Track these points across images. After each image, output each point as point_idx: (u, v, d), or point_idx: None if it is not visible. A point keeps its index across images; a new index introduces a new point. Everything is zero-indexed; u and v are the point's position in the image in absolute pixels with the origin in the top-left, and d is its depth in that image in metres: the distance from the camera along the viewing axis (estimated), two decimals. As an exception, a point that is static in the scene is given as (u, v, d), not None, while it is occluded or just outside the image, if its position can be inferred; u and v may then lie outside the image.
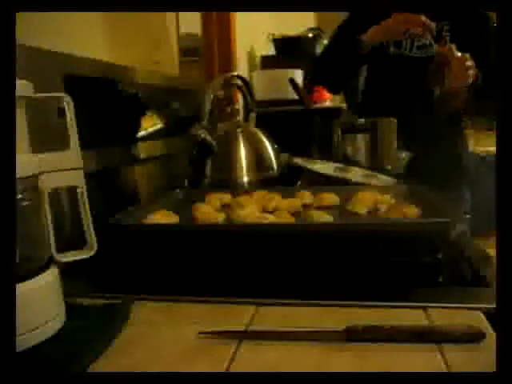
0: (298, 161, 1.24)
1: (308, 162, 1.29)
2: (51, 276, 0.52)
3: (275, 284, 0.64)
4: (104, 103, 0.93)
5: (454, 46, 1.26)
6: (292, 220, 0.76)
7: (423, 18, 1.27)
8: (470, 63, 1.25)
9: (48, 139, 0.60)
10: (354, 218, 0.80)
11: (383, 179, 1.22)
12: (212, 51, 2.17)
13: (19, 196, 0.49)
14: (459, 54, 1.25)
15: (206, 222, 0.76)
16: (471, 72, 1.26)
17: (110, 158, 0.93)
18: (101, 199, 0.86)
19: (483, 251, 0.79)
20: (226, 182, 1.09)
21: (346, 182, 1.14)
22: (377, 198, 0.85)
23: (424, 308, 0.56)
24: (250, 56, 2.76)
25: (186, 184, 1.10)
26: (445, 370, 0.44)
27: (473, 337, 0.48)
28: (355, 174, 1.28)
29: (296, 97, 1.94)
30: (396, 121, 1.33)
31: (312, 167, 1.21)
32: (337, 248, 0.68)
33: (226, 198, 0.91)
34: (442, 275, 0.66)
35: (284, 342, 0.50)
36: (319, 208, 0.84)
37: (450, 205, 0.75)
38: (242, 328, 0.53)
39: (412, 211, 0.74)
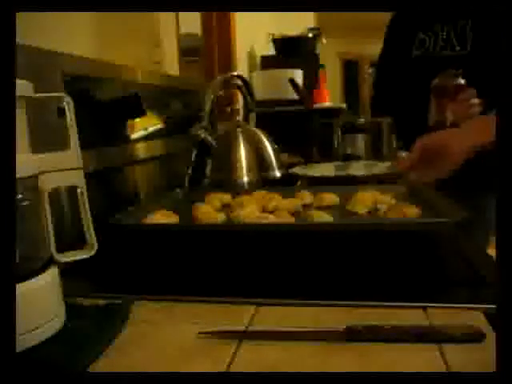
0: (297, 170, 1.23)
1: (307, 168, 1.29)
2: (51, 276, 0.52)
3: (275, 284, 0.64)
4: (104, 103, 0.93)
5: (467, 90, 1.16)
6: (292, 220, 0.76)
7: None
8: (475, 101, 1.15)
9: (48, 139, 0.60)
10: (354, 218, 0.80)
11: (383, 166, 1.22)
12: (212, 51, 2.17)
13: (19, 196, 0.49)
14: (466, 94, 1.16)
15: (205, 222, 0.76)
16: (476, 110, 1.15)
17: (110, 157, 0.93)
18: (101, 199, 0.86)
19: (483, 251, 0.79)
20: (226, 182, 1.09)
21: (348, 180, 1.14)
22: (377, 197, 0.85)
23: (424, 308, 0.56)
24: (250, 56, 2.77)
25: (186, 184, 1.10)
26: (445, 370, 0.44)
27: (473, 337, 0.48)
28: (356, 167, 1.28)
29: (296, 97, 1.94)
30: (395, 121, 1.33)
31: (313, 174, 1.21)
32: (337, 248, 0.68)
33: (226, 197, 0.91)
34: (441, 275, 0.66)
35: (284, 342, 0.50)
36: (319, 208, 0.84)
37: (450, 205, 0.75)
38: (242, 328, 0.53)
39: (412, 211, 0.74)
